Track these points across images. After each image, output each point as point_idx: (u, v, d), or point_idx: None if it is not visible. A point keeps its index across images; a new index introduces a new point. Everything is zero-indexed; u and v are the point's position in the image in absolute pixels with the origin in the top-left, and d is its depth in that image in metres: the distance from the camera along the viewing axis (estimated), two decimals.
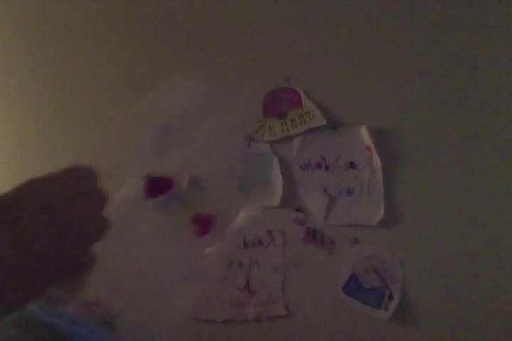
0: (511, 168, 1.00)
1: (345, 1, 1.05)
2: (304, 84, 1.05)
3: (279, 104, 1.06)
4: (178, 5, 1.10)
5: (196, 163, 1.11)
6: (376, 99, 1.03)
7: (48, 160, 1.13)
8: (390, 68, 1.03)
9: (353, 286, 1.01)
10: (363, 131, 1.02)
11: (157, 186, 0.73)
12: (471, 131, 1.01)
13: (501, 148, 1.00)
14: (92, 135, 1.15)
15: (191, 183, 1.10)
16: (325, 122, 1.03)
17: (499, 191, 1.00)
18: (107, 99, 1.12)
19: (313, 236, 1.03)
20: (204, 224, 0.67)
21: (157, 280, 1.03)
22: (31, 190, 0.36)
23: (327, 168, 1.04)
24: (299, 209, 1.04)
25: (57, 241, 0.33)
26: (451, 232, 1.00)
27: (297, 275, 1.04)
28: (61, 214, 0.34)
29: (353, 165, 1.03)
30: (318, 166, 1.04)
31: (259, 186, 1.06)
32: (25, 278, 0.31)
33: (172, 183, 0.71)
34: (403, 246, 1.01)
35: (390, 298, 1.00)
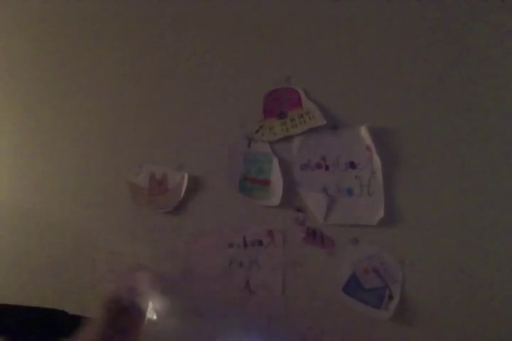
0: (511, 168, 1.00)
1: (346, 1, 1.05)
2: (304, 84, 1.05)
3: (279, 104, 1.06)
4: (178, 6, 1.10)
5: (196, 163, 1.12)
6: (376, 99, 1.03)
7: (48, 160, 1.13)
8: (390, 68, 1.04)
9: (353, 286, 1.01)
10: (363, 131, 1.02)
11: None
12: (471, 131, 1.01)
13: (502, 148, 1.00)
14: (92, 134, 1.15)
15: (191, 183, 1.12)
16: (325, 122, 1.03)
17: (499, 191, 1.00)
18: (108, 98, 1.12)
19: (313, 236, 1.04)
20: None
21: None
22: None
23: (327, 168, 1.04)
24: (299, 209, 1.04)
25: None
26: (452, 232, 1.00)
27: (297, 275, 1.04)
28: None
29: (353, 165, 1.03)
30: (318, 166, 1.04)
31: (259, 186, 1.06)
32: None
33: None
34: (403, 246, 1.01)
35: (390, 298, 1.00)
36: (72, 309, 0.86)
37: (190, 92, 1.09)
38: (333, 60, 1.05)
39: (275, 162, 1.05)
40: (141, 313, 0.76)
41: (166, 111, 1.09)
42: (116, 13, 1.13)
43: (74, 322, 0.86)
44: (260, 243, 1.05)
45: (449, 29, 1.03)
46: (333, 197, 1.03)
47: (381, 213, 1.01)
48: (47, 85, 1.14)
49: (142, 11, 1.12)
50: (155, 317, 0.83)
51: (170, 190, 1.07)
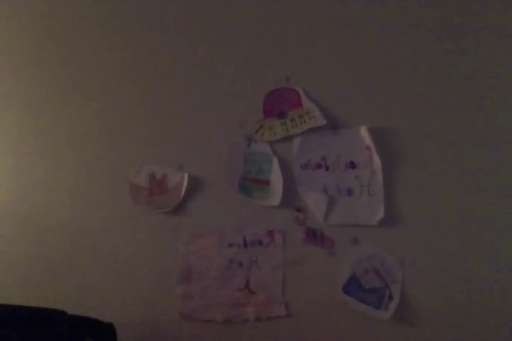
0: (511, 168, 1.00)
1: (345, 1, 1.05)
2: (304, 84, 1.05)
3: (279, 104, 1.06)
4: (179, 5, 1.10)
5: (196, 163, 1.12)
6: (376, 99, 1.03)
7: (48, 160, 1.13)
8: (390, 68, 1.04)
9: (353, 286, 1.01)
10: (363, 131, 1.02)
11: None
12: (470, 131, 1.01)
13: (501, 148, 1.00)
14: (92, 135, 1.15)
15: (191, 183, 1.12)
16: (325, 122, 1.03)
17: (499, 191, 1.00)
18: (108, 98, 1.12)
19: (313, 236, 1.04)
20: None
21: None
22: None
23: (327, 168, 1.04)
24: (299, 209, 1.04)
25: None
26: (452, 232, 1.00)
27: (297, 275, 1.04)
28: None
29: (353, 165, 1.03)
30: (318, 166, 1.04)
31: (259, 186, 1.06)
32: None
33: None
34: (403, 246, 1.01)
35: (390, 298, 1.00)
36: (72, 309, 0.86)
37: (190, 92, 1.09)
38: (333, 60, 1.05)
39: (275, 162, 1.05)
40: None
41: (166, 112, 1.09)
42: (116, 14, 1.13)
43: (74, 322, 0.86)
44: (260, 243, 1.05)
45: (448, 29, 1.03)
46: (333, 197, 1.03)
47: (381, 213, 1.01)
48: (47, 85, 1.14)
49: (143, 12, 1.12)
50: None
51: (170, 190, 1.07)
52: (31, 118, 1.14)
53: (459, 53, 1.02)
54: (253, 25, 1.08)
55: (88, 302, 1.07)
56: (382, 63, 1.04)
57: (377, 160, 1.01)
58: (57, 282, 1.10)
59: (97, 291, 1.08)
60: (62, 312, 0.85)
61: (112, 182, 1.09)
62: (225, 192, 1.06)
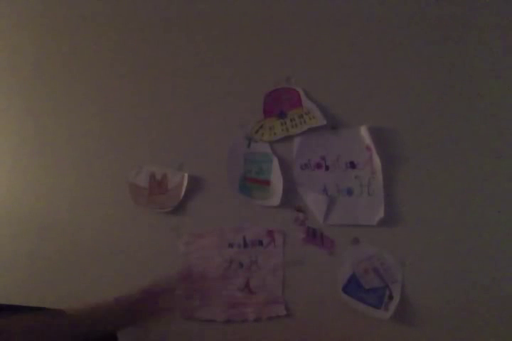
0: (511, 168, 1.00)
1: (345, 1, 1.05)
2: (304, 84, 1.05)
3: (279, 104, 1.06)
4: (178, 5, 1.10)
5: (196, 163, 1.12)
6: (376, 99, 1.03)
7: (48, 160, 1.13)
8: (390, 68, 1.04)
9: (353, 286, 1.01)
10: (363, 131, 1.02)
11: None
12: (471, 131, 1.01)
13: (501, 148, 1.00)
14: (92, 134, 1.15)
15: (191, 183, 1.12)
16: (325, 122, 1.03)
17: (499, 191, 1.00)
18: (108, 98, 1.12)
19: (313, 236, 1.04)
20: None
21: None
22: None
23: (327, 168, 1.04)
24: (299, 209, 1.04)
25: None
26: (451, 232, 1.00)
27: (297, 275, 1.04)
28: None
29: (353, 165, 1.03)
30: (318, 166, 1.04)
31: (259, 186, 1.06)
32: None
33: None
34: (403, 246, 1.01)
35: (390, 298, 1.00)
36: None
37: (190, 92, 1.09)
38: (333, 60, 1.05)
39: (275, 162, 1.05)
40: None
41: (166, 112, 1.09)
42: (117, 14, 1.13)
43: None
44: (260, 243, 1.05)
45: (448, 29, 1.03)
46: (333, 197, 1.03)
47: (381, 213, 1.01)
48: (47, 85, 1.14)
49: (143, 12, 1.12)
50: None
51: (170, 190, 1.07)
52: (31, 118, 1.15)
53: (459, 53, 1.02)
54: (253, 25, 1.08)
55: (88, 302, 1.07)
56: (382, 63, 1.04)
57: (377, 160, 1.01)
58: (57, 282, 1.10)
59: (97, 291, 1.08)
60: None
61: (112, 182, 1.10)
62: (225, 192, 1.06)
